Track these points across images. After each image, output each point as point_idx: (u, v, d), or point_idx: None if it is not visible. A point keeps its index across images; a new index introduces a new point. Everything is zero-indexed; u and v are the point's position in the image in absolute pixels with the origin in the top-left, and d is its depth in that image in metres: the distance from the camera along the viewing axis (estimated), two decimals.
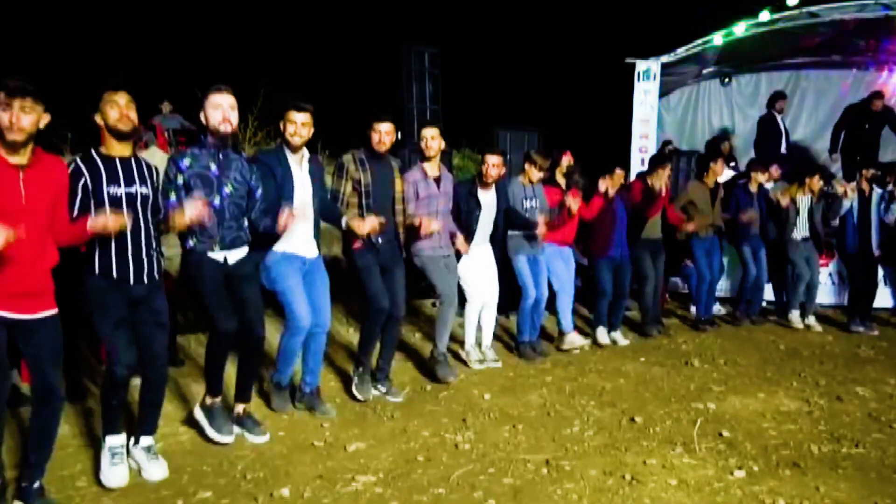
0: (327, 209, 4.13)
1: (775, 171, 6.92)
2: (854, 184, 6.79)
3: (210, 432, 3.61)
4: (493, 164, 5.01)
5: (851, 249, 6.82)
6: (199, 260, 3.49)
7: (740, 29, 8.14)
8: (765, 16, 7.96)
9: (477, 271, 5.13)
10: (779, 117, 8.56)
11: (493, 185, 5.15)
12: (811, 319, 6.73)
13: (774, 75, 9.88)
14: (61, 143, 7.39)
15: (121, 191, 3.10)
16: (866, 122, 8.27)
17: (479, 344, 5.33)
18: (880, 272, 6.96)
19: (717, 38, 8.32)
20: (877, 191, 6.80)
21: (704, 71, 9.74)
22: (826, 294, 7.33)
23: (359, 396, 4.36)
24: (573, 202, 5.39)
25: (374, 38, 13.09)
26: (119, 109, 3.07)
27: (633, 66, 8.36)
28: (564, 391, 4.69)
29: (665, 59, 8.42)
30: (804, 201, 6.72)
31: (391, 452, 3.61)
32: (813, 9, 7.86)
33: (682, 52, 8.48)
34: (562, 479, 3.31)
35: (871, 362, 5.56)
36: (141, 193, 3.17)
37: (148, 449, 3.36)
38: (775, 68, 9.81)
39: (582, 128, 10.39)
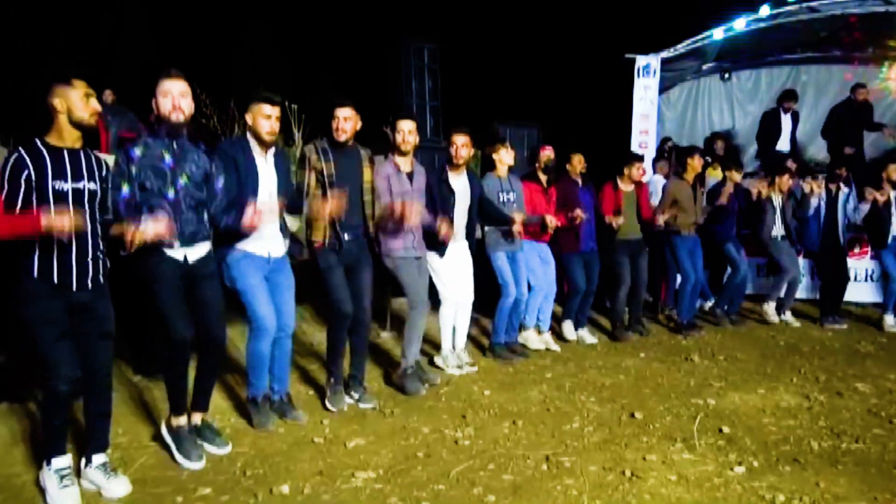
0: (292, 201, 3.89)
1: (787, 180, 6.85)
2: (820, 181, 6.80)
3: (178, 457, 3.35)
4: (462, 144, 4.75)
5: (814, 247, 6.86)
6: (156, 259, 3.22)
7: (740, 24, 8.11)
8: (765, 10, 7.93)
9: (452, 270, 4.91)
10: (783, 114, 8.53)
11: (465, 172, 4.92)
12: (787, 315, 6.77)
13: (774, 70, 9.87)
14: None
15: (67, 186, 2.83)
16: (854, 117, 8.26)
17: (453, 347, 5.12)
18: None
19: (718, 34, 8.29)
20: (843, 190, 6.82)
21: (704, 66, 9.72)
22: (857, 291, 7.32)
23: (331, 408, 4.14)
24: (552, 221, 5.26)
25: (373, 34, 13.05)
26: (87, 100, 2.84)
27: (633, 61, 8.33)
28: (564, 387, 4.69)
29: (665, 54, 8.40)
30: (777, 200, 6.72)
31: (391, 449, 3.61)
32: (813, 4, 7.84)
33: (682, 47, 8.46)
34: (561, 474, 3.31)
35: (871, 358, 5.56)
36: (88, 190, 2.91)
37: (104, 466, 3.10)
38: (775, 63, 9.80)
39: (582, 123, 10.36)
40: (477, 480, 3.25)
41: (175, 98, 3.20)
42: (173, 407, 3.45)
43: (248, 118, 3.64)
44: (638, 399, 4.45)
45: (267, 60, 14.12)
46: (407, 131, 4.42)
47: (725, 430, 3.88)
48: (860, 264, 7.26)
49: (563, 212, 5.59)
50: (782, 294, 6.73)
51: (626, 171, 6.03)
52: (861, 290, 7.30)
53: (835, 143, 8.39)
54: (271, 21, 15.14)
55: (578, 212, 5.50)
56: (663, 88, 9.04)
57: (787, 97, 8.51)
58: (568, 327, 5.97)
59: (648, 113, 8.36)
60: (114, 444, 3.54)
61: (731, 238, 6.62)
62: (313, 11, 14.96)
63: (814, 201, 6.74)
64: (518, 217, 5.08)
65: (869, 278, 7.25)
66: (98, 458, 3.11)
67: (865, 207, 6.60)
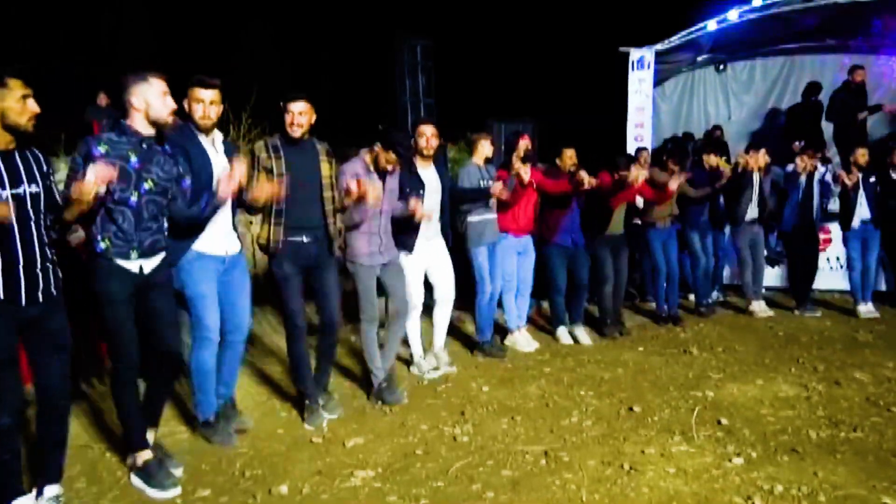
0: (242, 197, 3.57)
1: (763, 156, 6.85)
2: (807, 159, 6.68)
3: (152, 494, 3.10)
4: (431, 135, 4.62)
5: (788, 227, 6.83)
6: (108, 272, 2.99)
7: (733, 15, 8.10)
8: (757, 1, 7.92)
9: (426, 271, 4.78)
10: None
11: (433, 164, 4.77)
12: (760, 304, 6.71)
13: (769, 61, 9.86)
14: (55, 145, 7.33)
15: (5, 193, 2.60)
16: (855, 99, 8.26)
17: (432, 347, 4.98)
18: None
19: (711, 25, 8.29)
20: (820, 169, 6.77)
21: (699, 58, 9.71)
22: (834, 279, 7.26)
23: (309, 427, 3.89)
24: (524, 170, 4.97)
25: (366, 32, 13.05)
26: (23, 102, 2.62)
27: (627, 54, 8.33)
28: (563, 382, 4.69)
29: (659, 47, 8.38)
30: (755, 178, 6.59)
31: (390, 447, 3.62)
32: None
33: (675, 39, 8.44)
34: (560, 469, 3.31)
35: (870, 346, 5.55)
36: (30, 193, 2.68)
37: (56, 500, 2.86)
38: (770, 54, 9.79)
39: (577, 118, 10.36)
40: (476, 477, 3.25)
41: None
42: (134, 443, 3.18)
43: (185, 104, 3.40)
44: (636, 392, 4.45)
45: (263, 61, 14.09)
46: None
47: (724, 421, 3.88)
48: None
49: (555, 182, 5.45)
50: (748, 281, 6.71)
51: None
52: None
53: (840, 127, 8.37)
54: (271, 21, 15.12)
55: (583, 174, 5.27)
56: (658, 81, 9.03)
57: (820, 88, 8.52)
58: (562, 332, 5.79)
59: (644, 106, 8.36)
60: (113, 446, 3.55)
61: (698, 225, 6.52)
62: (307, 12, 14.94)
63: (802, 180, 6.65)
64: (497, 185, 4.95)
65: None
66: (50, 491, 2.87)
67: (837, 188, 6.60)
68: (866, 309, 6.58)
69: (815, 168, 6.72)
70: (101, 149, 2.93)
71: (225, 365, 3.68)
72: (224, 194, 3.29)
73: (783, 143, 8.39)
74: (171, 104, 3.00)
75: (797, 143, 7.65)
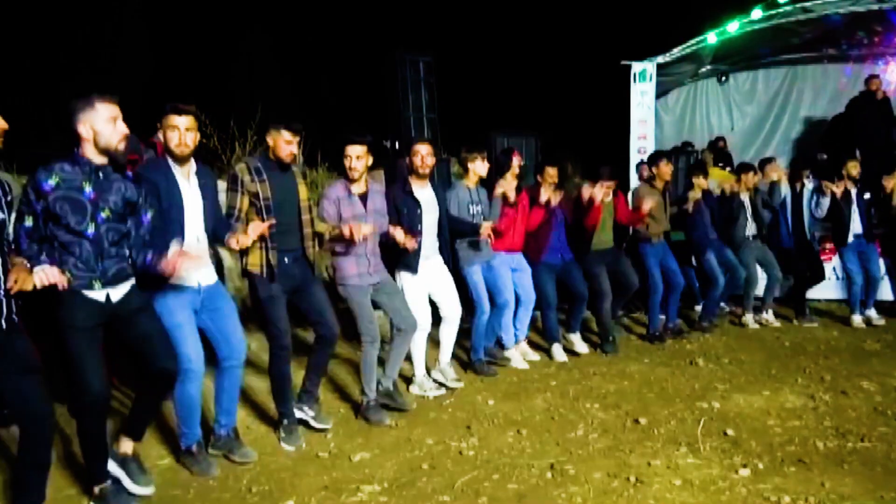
0: (220, 231, 3.48)
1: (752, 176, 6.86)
2: (784, 169, 6.78)
3: None
4: (427, 153, 4.55)
5: (786, 244, 6.82)
6: (72, 302, 2.82)
7: (734, 27, 8.17)
8: (757, 13, 7.98)
9: (428, 290, 4.70)
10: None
11: (429, 183, 4.68)
12: (769, 314, 6.69)
13: (771, 71, 9.93)
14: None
15: None
16: (876, 107, 8.26)
17: (437, 362, 4.93)
18: (881, 263, 6.90)
19: (712, 37, 8.35)
20: (808, 186, 6.81)
21: (701, 70, 9.77)
22: (839, 289, 7.24)
23: (288, 448, 3.81)
24: (510, 188, 4.96)
25: (368, 48, 13.14)
26: None
27: (629, 67, 8.40)
28: (568, 395, 4.69)
29: (660, 59, 8.45)
30: (745, 197, 6.59)
31: (396, 461, 3.62)
32: (807, 4, 7.88)
33: (677, 52, 8.51)
34: (566, 482, 3.31)
35: (877, 356, 5.53)
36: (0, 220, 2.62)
37: None
38: (772, 64, 9.86)
39: (580, 131, 10.42)
40: (482, 490, 3.25)
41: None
42: (97, 474, 3.04)
43: (160, 134, 3.29)
44: (642, 404, 4.45)
45: (264, 80, 14.20)
46: (355, 156, 4.15)
47: (730, 432, 3.87)
48: None
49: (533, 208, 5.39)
50: (761, 294, 6.69)
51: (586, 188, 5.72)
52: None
53: (862, 137, 8.36)
54: (267, 40, 15.24)
55: (548, 192, 5.25)
56: (661, 93, 9.10)
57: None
58: (557, 350, 5.64)
59: (646, 118, 8.42)
60: None
61: (712, 244, 6.36)
62: (308, 30, 15.08)
63: (784, 189, 6.67)
64: (486, 225, 4.84)
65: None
66: None
67: (826, 201, 6.61)
68: (860, 320, 6.55)
69: (804, 185, 6.77)
70: (52, 181, 2.77)
71: (224, 392, 3.61)
72: (168, 272, 3.06)
73: (795, 154, 8.47)
74: (123, 129, 2.82)
75: (821, 155, 7.67)
